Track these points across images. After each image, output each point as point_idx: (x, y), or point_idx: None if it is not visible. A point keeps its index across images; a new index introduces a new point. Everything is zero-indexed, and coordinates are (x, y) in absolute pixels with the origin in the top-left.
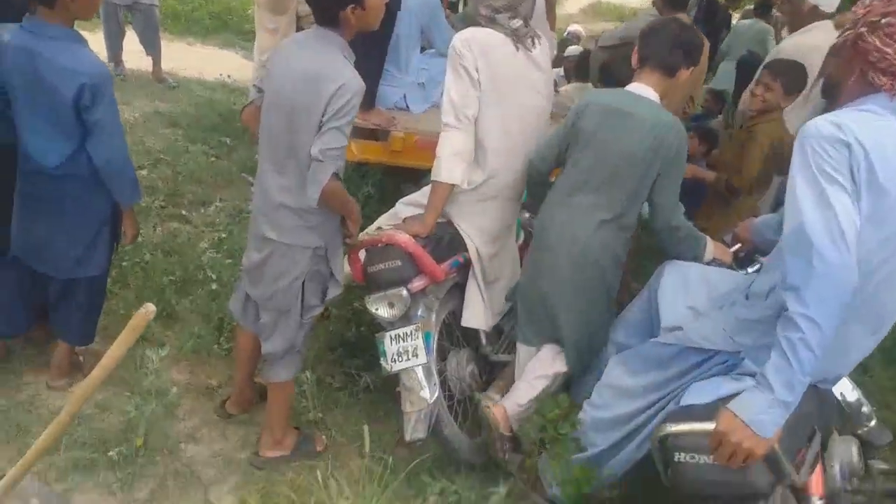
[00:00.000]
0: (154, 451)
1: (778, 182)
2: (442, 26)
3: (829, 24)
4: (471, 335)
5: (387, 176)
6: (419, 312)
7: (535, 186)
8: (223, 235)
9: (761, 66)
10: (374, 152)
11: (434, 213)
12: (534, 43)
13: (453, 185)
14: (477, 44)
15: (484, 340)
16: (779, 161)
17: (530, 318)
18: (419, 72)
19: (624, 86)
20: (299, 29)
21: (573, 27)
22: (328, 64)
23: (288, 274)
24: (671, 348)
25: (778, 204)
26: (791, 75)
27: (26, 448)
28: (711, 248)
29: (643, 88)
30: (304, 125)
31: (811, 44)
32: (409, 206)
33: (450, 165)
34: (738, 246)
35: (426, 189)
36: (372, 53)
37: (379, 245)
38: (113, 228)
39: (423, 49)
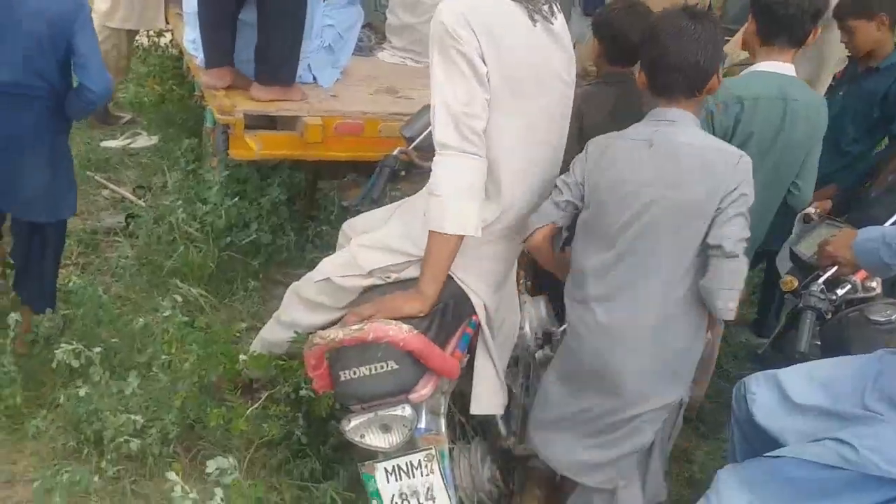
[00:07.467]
0: None
1: None
2: None
3: None
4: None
5: (295, 169)
6: (424, 424)
7: None
8: None
9: None
10: (282, 146)
11: (438, 282)
12: (552, 11)
13: (462, 237)
14: (479, 19)
15: (503, 429)
16: None
17: None
18: (323, 31)
19: None
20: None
21: None
22: None
23: None
24: (833, 475)
25: None
26: None
27: None
28: None
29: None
30: None
31: None
32: (370, 248)
33: (458, 209)
34: (832, 270)
35: (383, 216)
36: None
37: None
38: None
39: None
